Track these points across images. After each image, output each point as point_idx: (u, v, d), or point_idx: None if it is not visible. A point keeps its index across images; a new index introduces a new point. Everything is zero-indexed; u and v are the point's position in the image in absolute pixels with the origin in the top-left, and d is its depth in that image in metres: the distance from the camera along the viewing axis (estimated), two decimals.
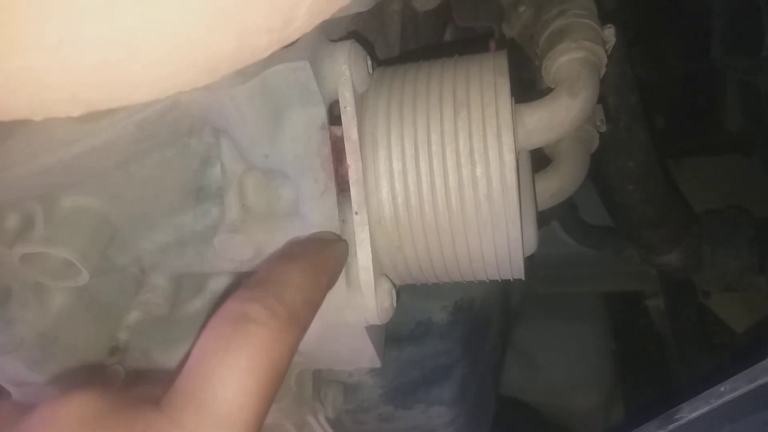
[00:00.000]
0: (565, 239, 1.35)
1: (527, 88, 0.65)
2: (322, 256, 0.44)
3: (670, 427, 0.48)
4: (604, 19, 0.59)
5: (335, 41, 0.48)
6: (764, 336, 1.34)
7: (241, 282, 0.45)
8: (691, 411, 0.48)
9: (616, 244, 1.28)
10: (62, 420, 0.34)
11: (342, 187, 0.48)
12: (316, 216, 0.48)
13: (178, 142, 0.51)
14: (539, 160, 0.62)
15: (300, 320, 0.39)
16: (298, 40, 0.44)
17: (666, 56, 1.44)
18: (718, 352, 1.31)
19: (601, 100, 0.69)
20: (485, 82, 0.48)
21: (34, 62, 0.22)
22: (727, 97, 1.21)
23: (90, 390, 0.35)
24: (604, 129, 0.65)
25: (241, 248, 0.51)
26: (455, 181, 0.47)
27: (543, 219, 0.68)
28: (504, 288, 0.93)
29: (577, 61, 0.53)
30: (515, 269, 0.51)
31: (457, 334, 0.70)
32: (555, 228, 1.32)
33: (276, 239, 0.51)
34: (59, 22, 0.20)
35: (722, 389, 0.47)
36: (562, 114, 0.50)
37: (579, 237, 1.31)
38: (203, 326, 0.38)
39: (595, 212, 1.29)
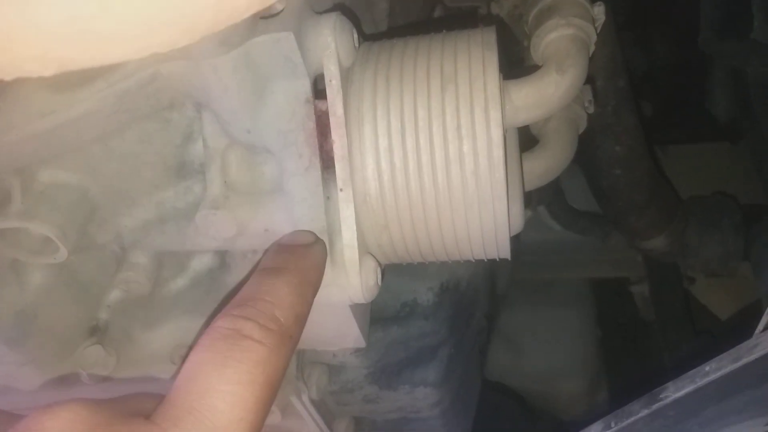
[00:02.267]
0: (550, 225, 1.35)
1: (515, 68, 0.64)
2: (306, 267, 0.45)
3: (655, 406, 0.48)
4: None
5: (321, 13, 0.47)
6: (748, 323, 1.35)
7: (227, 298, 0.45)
8: (676, 390, 0.48)
9: (602, 229, 1.29)
10: None
11: (327, 163, 0.47)
12: (300, 192, 0.47)
13: (159, 116, 0.50)
14: (526, 141, 0.61)
15: (292, 336, 0.40)
16: (282, 11, 0.44)
17: (654, 43, 1.44)
18: (703, 339, 1.31)
19: (589, 82, 0.68)
20: (473, 56, 0.47)
21: (1, 17, 0.21)
22: (715, 84, 1.21)
23: (79, 402, 0.34)
24: (592, 110, 0.65)
25: (224, 225, 0.50)
26: (442, 158, 0.46)
27: (529, 201, 0.68)
28: (490, 272, 0.92)
29: (566, 37, 0.52)
30: (501, 248, 0.51)
31: (442, 315, 0.69)
32: (541, 213, 1.32)
33: (259, 216, 0.50)
34: None
35: (707, 368, 0.47)
36: (551, 90, 0.49)
37: (565, 222, 1.30)
38: (195, 344, 0.38)
39: (581, 198, 1.29)
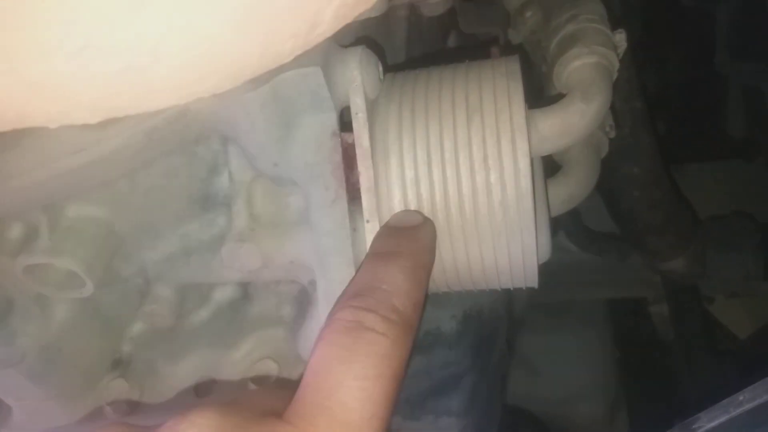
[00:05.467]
0: (567, 246, 1.34)
1: (535, 94, 0.64)
2: (418, 250, 0.44)
3: None
4: (610, 24, 0.58)
5: (346, 47, 0.47)
6: None
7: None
8: (709, 421, 0.47)
9: (620, 250, 1.27)
10: None
11: (353, 195, 0.47)
12: (326, 224, 0.47)
13: (185, 150, 0.51)
14: (548, 167, 0.61)
15: (413, 324, 0.39)
16: None
17: (669, 62, 1.44)
18: (723, 359, 1.30)
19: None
20: (498, 87, 0.47)
21: (57, 68, 0.21)
22: (730, 102, 1.21)
23: (210, 407, 0.33)
24: (613, 134, 0.65)
25: (249, 257, 0.50)
26: (469, 188, 0.46)
27: (555, 229, 0.68)
28: (508, 296, 0.92)
29: (590, 66, 0.52)
30: (529, 277, 0.50)
31: (466, 343, 0.69)
32: (558, 235, 1.31)
33: (284, 248, 0.50)
34: (84, 27, 0.19)
35: (741, 398, 0.46)
36: (576, 120, 0.49)
37: (583, 244, 1.29)
38: (318, 337, 0.37)
39: (597, 219, 1.28)
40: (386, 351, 0.36)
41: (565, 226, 1.25)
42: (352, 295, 0.39)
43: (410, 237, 0.45)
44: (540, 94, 0.67)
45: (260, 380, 0.56)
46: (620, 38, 0.55)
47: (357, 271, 0.44)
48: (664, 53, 1.40)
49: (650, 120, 0.94)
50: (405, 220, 0.46)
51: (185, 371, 0.60)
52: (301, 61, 0.43)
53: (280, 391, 0.38)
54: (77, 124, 0.22)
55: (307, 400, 0.34)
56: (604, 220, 1.19)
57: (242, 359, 0.59)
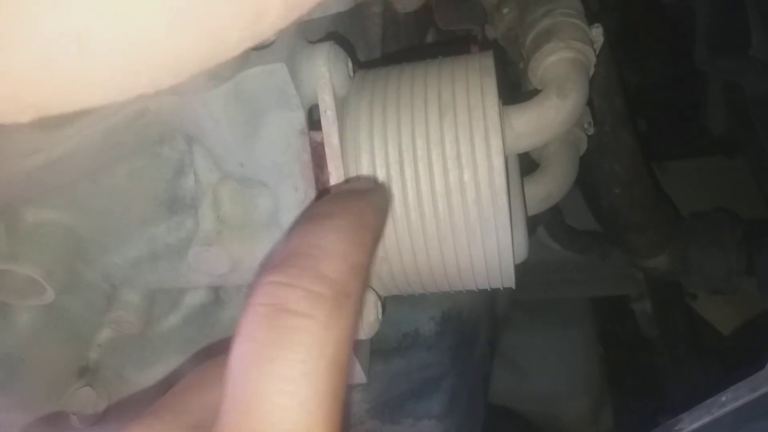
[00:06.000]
0: (549, 245, 1.33)
1: (511, 91, 0.63)
2: (361, 209, 0.36)
3: None
4: (587, 20, 0.57)
5: (314, 43, 0.46)
6: (752, 339, 1.33)
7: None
8: (692, 422, 0.46)
9: (602, 248, 1.27)
10: None
11: (323, 195, 0.46)
12: None
13: (148, 151, 0.49)
14: (526, 165, 0.60)
15: (349, 294, 0.31)
16: (274, 42, 0.42)
17: (648, 59, 1.44)
18: (707, 356, 1.30)
19: (586, 102, 0.67)
20: (471, 83, 0.45)
21: None
22: (710, 99, 1.21)
23: (129, 427, 0.29)
24: (592, 132, 0.64)
25: (217, 261, 0.48)
26: (442, 187, 0.44)
27: (533, 228, 0.66)
28: (490, 295, 0.91)
29: (566, 61, 0.51)
30: (505, 277, 0.49)
31: (445, 344, 0.67)
32: (539, 234, 1.31)
33: (253, 251, 0.49)
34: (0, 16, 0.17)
35: (723, 398, 0.45)
36: (552, 116, 0.48)
37: (565, 242, 1.29)
38: (235, 331, 0.30)
39: (579, 217, 1.27)
40: (315, 338, 0.28)
41: (547, 224, 1.25)
42: (271, 268, 0.31)
43: (352, 197, 0.38)
44: (517, 92, 0.66)
45: None
46: (597, 33, 0.54)
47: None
48: (643, 50, 1.40)
49: (631, 117, 0.94)
50: (352, 185, 0.41)
51: (155, 378, 0.58)
52: (266, 57, 0.42)
53: (217, 379, 0.31)
54: (7, 122, 0.21)
55: (228, 419, 0.28)
56: (585, 218, 1.19)
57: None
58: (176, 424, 0.30)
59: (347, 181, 0.44)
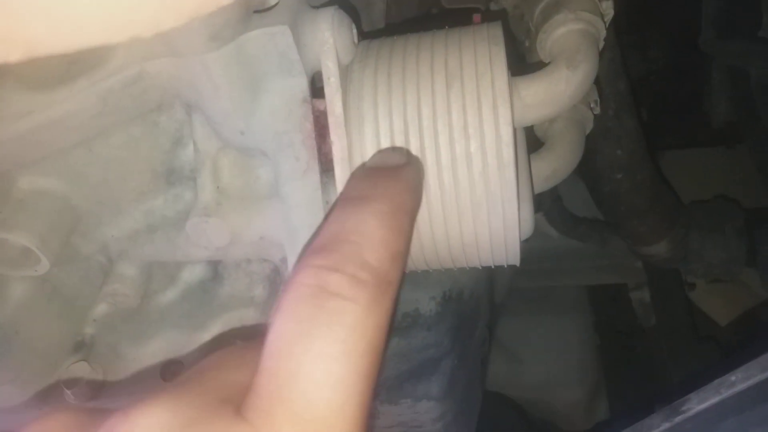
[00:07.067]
0: (547, 232, 1.33)
1: (518, 64, 0.62)
2: (398, 191, 0.37)
3: (677, 419, 0.45)
4: None
5: (318, 8, 0.44)
6: (749, 330, 1.33)
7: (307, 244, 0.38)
8: (700, 402, 0.45)
9: (602, 235, 1.26)
10: None
11: (325, 166, 0.45)
12: (297, 197, 0.45)
13: (146, 119, 0.48)
14: (530, 144, 0.59)
15: (391, 281, 0.32)
16: (276, 4, 0.41)
17: (651, 47, 1.43)
18: (704, 346, 1.29)
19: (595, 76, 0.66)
20: (479, 51, 0.44)
21: None
22: (713, 86, 1.20)
23: (156, 402, 0.28)
24: (598, 111, 0.63)
25: (216, 233, 0.47)
26: (448, 159, 0.43)
27: (539, 204, 0.65)
28: (489, 280, 0.90)
29: (575, 32, 0.50)
30: (511, 254, 0.48)
31: (445, 325, 0.66)
32: (538, 220, 1.30)
33: (253, 223, 0.48)
34: None
35: (733, 378, 0.44)
36: (562, 87, 0.46)
37: (564, 229, 1.28)
38: (275, 309, 0.31)
39: (578, 203, 1.27)
40: (357, 320, 0.29)
41: (546, 210, 1.24)
42: (314, 252, 0.32)
43: (389, 176, 0.38)
44: (525, 64, 0.64)
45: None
46: (607, 6, 0.53)
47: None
48: (646, 39, 1.39)
49: (634, 102, 0.92)
50: (386, 160, 0.41)
51: (151, 354, 0.57)
52: (268, 20, 0.40)
53: (244, 360, 0.32)
54: None
55: (263, 391, 0.29)
56: (585, 205, 1.18)
57: (211, 342, 0.56)
58: (205, 397, 0.29)
59: (379, 152, 0.43)
